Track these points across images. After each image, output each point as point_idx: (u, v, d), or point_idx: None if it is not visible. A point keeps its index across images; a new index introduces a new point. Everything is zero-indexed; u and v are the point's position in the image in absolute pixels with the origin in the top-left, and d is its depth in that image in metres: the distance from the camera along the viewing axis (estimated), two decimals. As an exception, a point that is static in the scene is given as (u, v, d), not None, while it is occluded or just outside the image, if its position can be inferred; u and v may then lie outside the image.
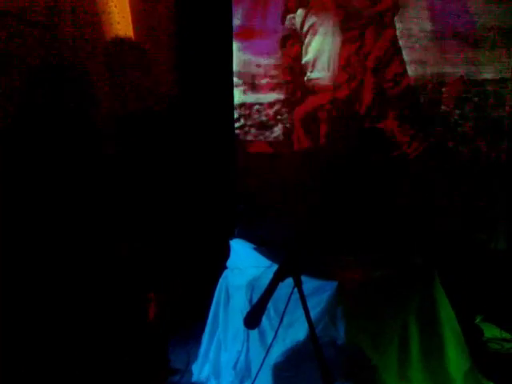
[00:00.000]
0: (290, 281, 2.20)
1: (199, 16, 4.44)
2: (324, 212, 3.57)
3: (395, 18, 4.73)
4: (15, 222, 1.88)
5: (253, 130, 4.74)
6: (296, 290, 2.18)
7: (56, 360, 1.89)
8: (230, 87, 4.65)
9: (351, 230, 3.33)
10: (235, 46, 4.61)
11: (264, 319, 2.70)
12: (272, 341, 2.56)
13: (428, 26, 4.75)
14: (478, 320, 4.01)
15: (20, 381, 1.88)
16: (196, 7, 4.43)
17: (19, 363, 1.87)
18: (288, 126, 4.77)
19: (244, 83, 4.71)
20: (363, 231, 3.31)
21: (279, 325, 2.49)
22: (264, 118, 4.75)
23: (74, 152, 1.96)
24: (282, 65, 4.72)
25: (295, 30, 4.71)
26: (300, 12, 4.69)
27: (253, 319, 2.23)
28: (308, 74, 4.74)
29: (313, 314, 2.47)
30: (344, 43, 4.73)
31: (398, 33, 4.74)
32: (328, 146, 4.75)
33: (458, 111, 4.85)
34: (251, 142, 4.75)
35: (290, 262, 2.18)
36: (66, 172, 1.90)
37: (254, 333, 2.88)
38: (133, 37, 3.97)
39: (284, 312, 2.39)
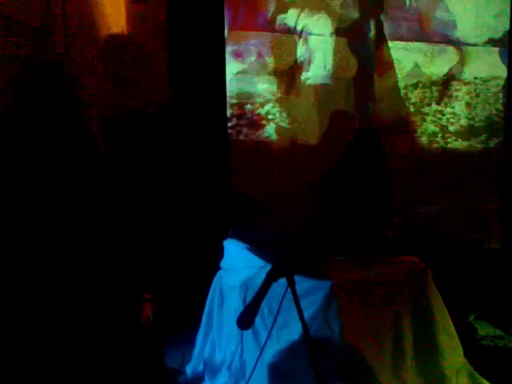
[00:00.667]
0: (283, 280, 2.19)
1: (192, 14, 4.43)
2: (318, 212, 3.57)
3: (382, 18, 4.75)
4: (7, 222, 1.87)
5: (245, 130, 4.73)
6: (289, 290, 2.17)
7: (50, 362, 1.88)
8: (223, 87, 4.64)
9: (345, 229, 3.33)
10: (228, 46, 4.60)
11: (258, 319, 2.69)
12: (266, 341, 2.56)
13: (416, 25, 4.78)
14: (471, 318, 4.03)
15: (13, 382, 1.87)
16: (189, 5, 4.42)
17: (13, 365, 1.86)
18: (281, 125, 4.77)
19: (236, 82, 4.70)
20: (357, 230, 3.31)
21: (273, 325, 2.49)
22: (256, 118, 4.74)
23: (66, 151, 1.95)
24: (275, 64, 4.72)
25: (288, 30, 4.71)
26: (292, 11, 4.69)
27: (246, 320, 2.22)
28: (304, 73, 4.75)
29: (307, 313, 2.48)
30: (338, 42, 4.74)
31: (387, 32, 4.77)
32: (323, 145, 4.75)
33: (449, 110, 4.87)
34: (244, 141, 4.74)
35: (283, 262, 2.18)
36: (58, 172, 1.89)
37: (248, 333, 2.88)
38: (125, 31, 3.96)
39: (278, 312, 2.39)
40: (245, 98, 4.70)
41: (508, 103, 4.79)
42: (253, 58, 4.69)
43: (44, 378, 1.87)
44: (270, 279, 2.18)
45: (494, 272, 4.31)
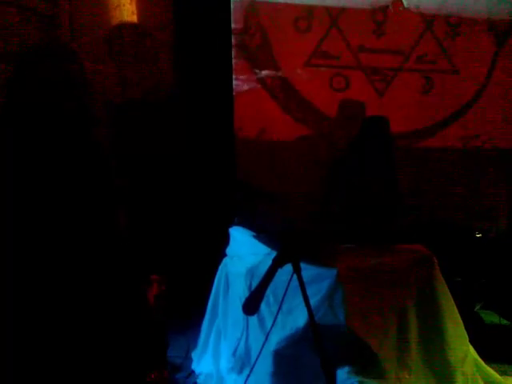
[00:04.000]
0: (289, 267, 2.18)
1: (200, 6, 4.41)
2: (323, 199, 3.56)
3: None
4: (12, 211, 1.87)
5: (252, 117, 4.72)
6: (295, 276, 2.17)
7: (47, 347, 1.87)
8: (230, 76, 4.63)
9: (350, 217, 3.32)
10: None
11: (263, 306, 2.70)
12: (271, 327, 2.56)
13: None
14: (477, 307, 4.02)
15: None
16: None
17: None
18: (287, 114, 4.76)
19: (242, 72, 4.69)
20: (362, 218, 3.31)
21: (278, 311, 2.49)
22: (263, 107, 4.73)
23: (68, 138, 1.95)
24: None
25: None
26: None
27: (251, 305, 2.22)
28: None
29: (312, 301, 2.47)
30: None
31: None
32: (329, 133, 4.73)
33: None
34: (250, 129, 4.73)
35: (289, 248, 2.17)
36: (60, 157, 1.89)
37: (254, 320, 2.88)
38: (133, 22, 3.95)
39: (283, 299, 2.39)
40: (251, 87, 4.69)
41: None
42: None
43: (41, 356, 1.85)
44: (276, 264, 2.18)
45: (501, 261, 4.30)
